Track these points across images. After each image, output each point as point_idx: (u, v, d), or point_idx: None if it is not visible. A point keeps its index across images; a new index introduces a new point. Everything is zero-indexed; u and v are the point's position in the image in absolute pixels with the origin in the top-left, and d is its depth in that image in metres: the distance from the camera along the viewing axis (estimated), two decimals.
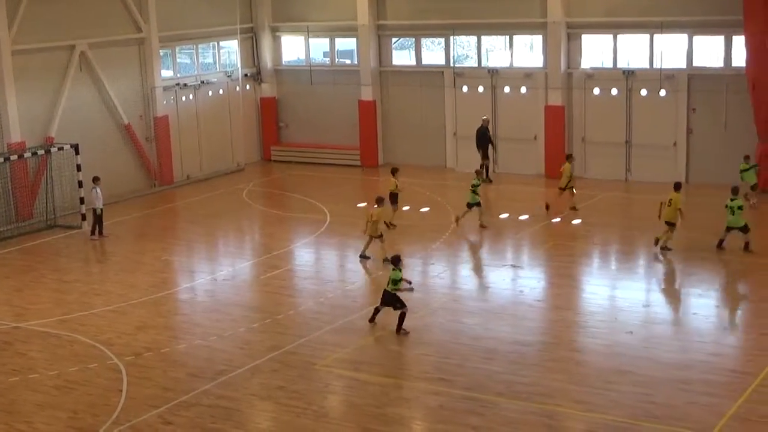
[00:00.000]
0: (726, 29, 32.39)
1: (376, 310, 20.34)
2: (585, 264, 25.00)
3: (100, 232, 28.48)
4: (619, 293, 22.65)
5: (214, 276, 24.74)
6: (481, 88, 36.57)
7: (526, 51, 37.22)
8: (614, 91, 34.36)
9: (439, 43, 38.42)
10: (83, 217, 29.61)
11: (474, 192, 28.02)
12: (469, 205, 28.13)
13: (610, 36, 34.69)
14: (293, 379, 17.77)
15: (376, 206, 25.44)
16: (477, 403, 16.58)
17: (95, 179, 28.61)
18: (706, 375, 17.27)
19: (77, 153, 29.76)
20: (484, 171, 34.34)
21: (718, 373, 17.38)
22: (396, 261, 20.15)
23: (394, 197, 28.50)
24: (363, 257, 25.36)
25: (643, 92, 33.92)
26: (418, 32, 38.02)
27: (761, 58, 31.12)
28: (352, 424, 15.98)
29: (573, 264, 24.66)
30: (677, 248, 25.44)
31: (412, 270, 24.42)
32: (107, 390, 17.60)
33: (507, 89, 36.14)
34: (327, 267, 25.95)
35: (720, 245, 25.05)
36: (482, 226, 27.96)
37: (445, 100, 37.32)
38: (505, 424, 15.85)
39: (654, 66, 33.93)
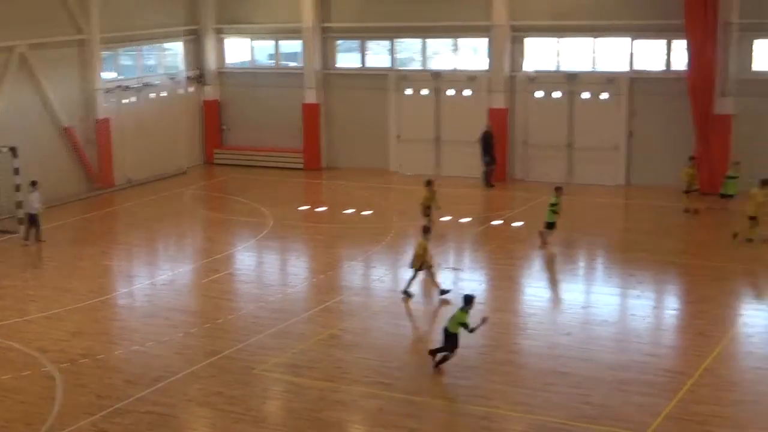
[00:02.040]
0: (667, 33, 32.76)
1: (436, 353, 18.12)
2: (525, 266, 25.07)
3: (38, 237, 28.05)
4: (559, 295, 22.76)
5: (153, 280, 24.48)
6: (425, 91, 36.62)
7: (471, 54, 37.32)
8: (557, 94, 34.59)
9: (384, 46, 38.39)
10: (21, 222, 29.16)
11: (553, 211, 26.16)
12: (549, 225, 26.25)
13: (554, 39, 34.91)
14: (231, 384, 17.61)
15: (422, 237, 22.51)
16: (416, 406, 16.56)
17: (33, 183, 28.19)
18: (642, 375, 17.39)
19: (15, 156, 29.31)
20: (486, 176, 34.34)
21: (655, 373, 17.52)
22: (468, 301, 18.09)
23: (427, 209, 26.86)
24: (406, 293, 22.36)
25: (586, 95, 34.18)
26: (362, 35, 37.96)
27: (701, 63, 31.50)
28: (291, 429, 15.89)
29: (513, 266, 24.74)
30: (616, 249, 25.69)
31: (353, 274, 24.43)
32: (41, 398, 17.31)
33: (451, 92, 36.22)
34: (268, 271, 25.78)
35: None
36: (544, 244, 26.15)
37: (390, 103, 37.32)
38: (444, 426, 15.87)
39: (596, 69, 34.22)
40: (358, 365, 18.51)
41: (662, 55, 33.43)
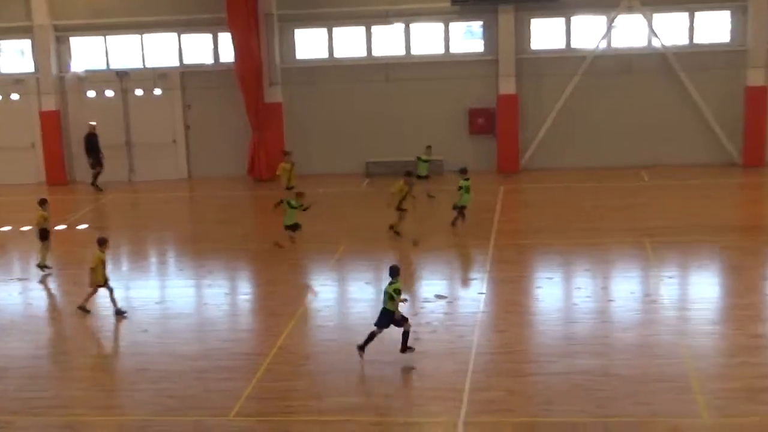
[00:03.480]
0: (212, 27, 33.56)
1: (372, 335, 17.23)
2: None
3: None
4: (133, 293, 22.66)
5: None
6: None
7: (18, 56, 35.89)
8: (109, 93, 34.26)
9: None
10: None
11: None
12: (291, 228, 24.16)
13: (100, 37, 34.50)
14: None
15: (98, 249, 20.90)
16: None
17: None
18: (221, 361, 17.78)
19: None
20: (94, 179, 33.17)
21: (233, 357, 17.98)
22: (395, 272, 17.18)
23: (44, 233, 24.02)
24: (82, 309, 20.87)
25: (139, 92, 34.16)
26: None
27: (246, 54, 32.63)
28: None
29: (82, 271, 24.18)
30: (186, 241, 26.02)
31: None
32: None
33: None
34: None
35: (454, 223, 25.80)
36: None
37: None
38: None
39: (147, 65, 34.29)
40: None
41: (210, 48, 34.21)
